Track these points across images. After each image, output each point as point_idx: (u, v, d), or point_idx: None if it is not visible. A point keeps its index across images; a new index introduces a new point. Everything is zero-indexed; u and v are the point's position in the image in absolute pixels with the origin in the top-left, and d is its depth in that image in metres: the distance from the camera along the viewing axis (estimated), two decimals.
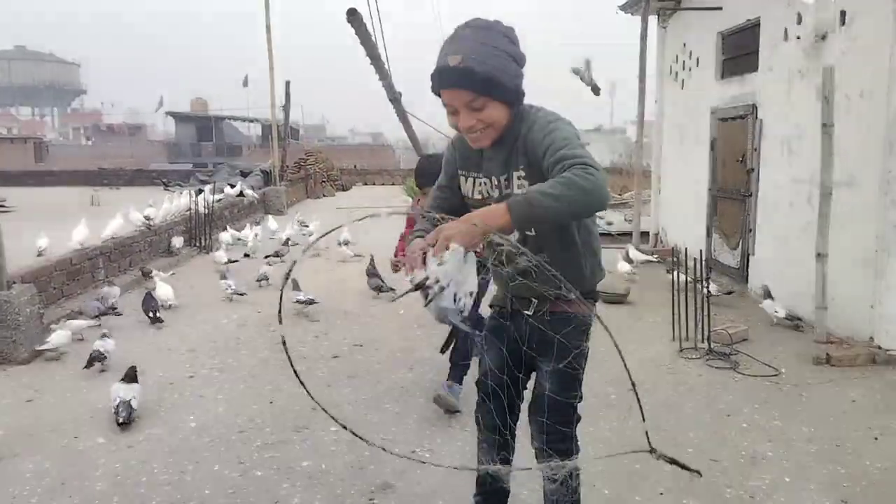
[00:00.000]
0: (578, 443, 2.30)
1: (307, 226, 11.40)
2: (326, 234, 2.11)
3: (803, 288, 5.65)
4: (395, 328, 5.86)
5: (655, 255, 8.55)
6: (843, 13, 5.22)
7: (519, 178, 2.04)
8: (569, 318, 2.14)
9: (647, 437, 1.73)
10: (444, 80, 1.97)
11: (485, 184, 2.15)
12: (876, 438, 3.65)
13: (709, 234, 7.99)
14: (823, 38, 4.70)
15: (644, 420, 1.78)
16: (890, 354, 4.73)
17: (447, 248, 1.69)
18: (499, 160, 2.09)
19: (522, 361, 2.20)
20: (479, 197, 2.17)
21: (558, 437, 2.20)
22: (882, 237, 4.79)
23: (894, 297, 4.75)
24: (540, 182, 1.82)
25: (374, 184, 27.71)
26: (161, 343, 5.49)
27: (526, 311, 2.18)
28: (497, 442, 2.32)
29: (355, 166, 29.80)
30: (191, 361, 5.04)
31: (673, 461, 1.72)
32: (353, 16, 4.34)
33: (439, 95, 2.02)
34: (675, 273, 5.44)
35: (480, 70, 1.92)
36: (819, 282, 4.91)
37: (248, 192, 14.88)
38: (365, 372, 4.78)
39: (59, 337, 5.11)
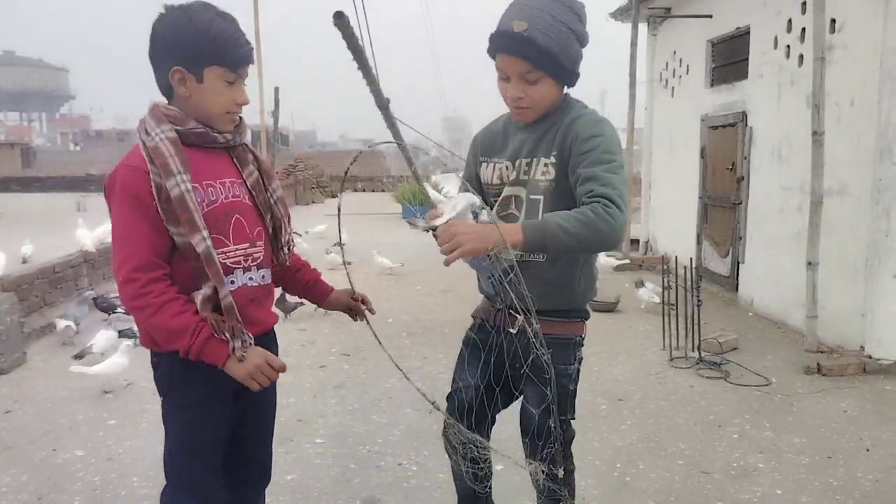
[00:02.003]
0: (573, 460, 2.23)
1: (299, 234, 11.36)
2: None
3: (794, 296, 5.63)
4: (383, 337, 5.76)
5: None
6: (833, 21, 5.22)
7: (546, 164, 1.96)
8: (560, 339, 2.04)
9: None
10: (503, 44, 1.89)
11: (506, 167, 2.05)
12: (868, 450, 3.61)
13: (699, 242, 7.97)
14: (822, 58, 4.69)
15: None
16: (881, 364, 4.70)
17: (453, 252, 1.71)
18: (529, 142, 2.01)
19: (502, 380, 2.08)
20: (498, 181, 2.08)
21: (549, 459, 2.07)
22: (873, 246, 4.77)
23: (885, 306, 4.72)
24: (563, 175, 1.93)
25: (364, 190, 27.64)
26: (144, 353, 5.38)
27: (511, 330, 2.02)
28: (471, 457, 2.18)
29: (346, 173, 29.72)
30: None
31: None
32: (339, 19, 4.23)
33: (493, 58, 1.95)
34: (666, 281, 5.40)
35: (543, 43, 1.84)
36: (809, 290, 4.88)
37: None
38: (352, 382, 4.71)
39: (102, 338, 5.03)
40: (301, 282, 2.22)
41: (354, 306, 2.26)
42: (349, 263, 9.15)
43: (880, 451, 3.58)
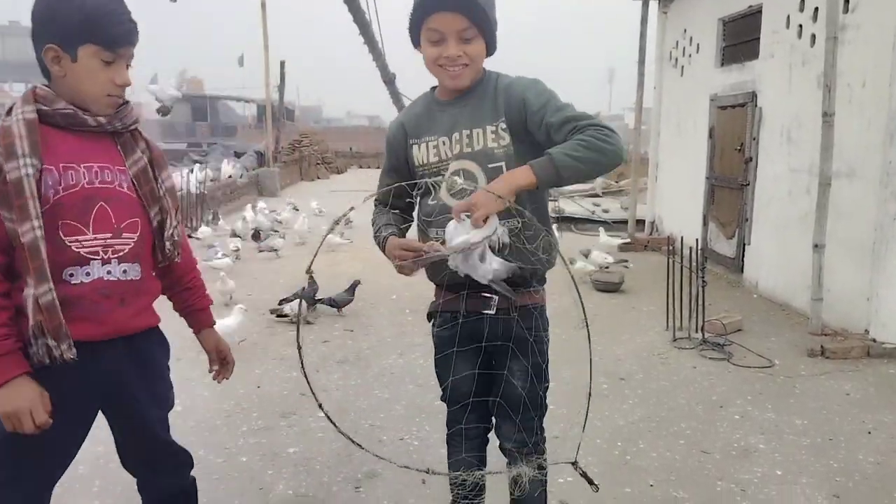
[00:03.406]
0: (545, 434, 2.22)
1: (295, 207, 11.42)
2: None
3: (799, 279, 5.60)
4: (385, 313, 5.80)
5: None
6: (846, 1, 5.13)
7: (495, 131, 1.94)
8: (533, 309, 2.04)
9: (578, 448, 2.01)
10: (440, 2, 1.86)
11: (443, 143, 2.00)
12: (869, 432, 3.61)
13: (705, 223, 7.93)
14: (835, 38, 4.63)
15: (583, 431, 1.98)
16: (885, 347, 4.69)
17: (484, 221, 1.76)
18: (463, 115, 1.98)
19: (489, 364, 2.11)
20: (436, 159, 2.02)
21: (533, 432, 2.12)
22: (880, 229, 4.74)
23: (891, 289, 4.70)
24: (519, 139, 1.94)
25: (369, 167, 27.55)
26: None
27: (487, 311, 2.01)
28: (477, 450, 2.26)
29: (351, 149, 29.63)
30: (178, 343, 4.95)
31: (583, 475, 2.00)
32: None
33: (419, 27, 1.91)
34: (671, 262, 5.38)
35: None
36: (815, 273, 4.86)
37: (228, 168, 14.52)
38: (355, 357, 4.72)
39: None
40: (183, 302, 2.09)
41: (212, 359, 2.18)
42: (350, 242, 9.15)
43: (882, 434, 3.58)
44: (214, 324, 2.15)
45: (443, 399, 2.26)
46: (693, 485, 3.06)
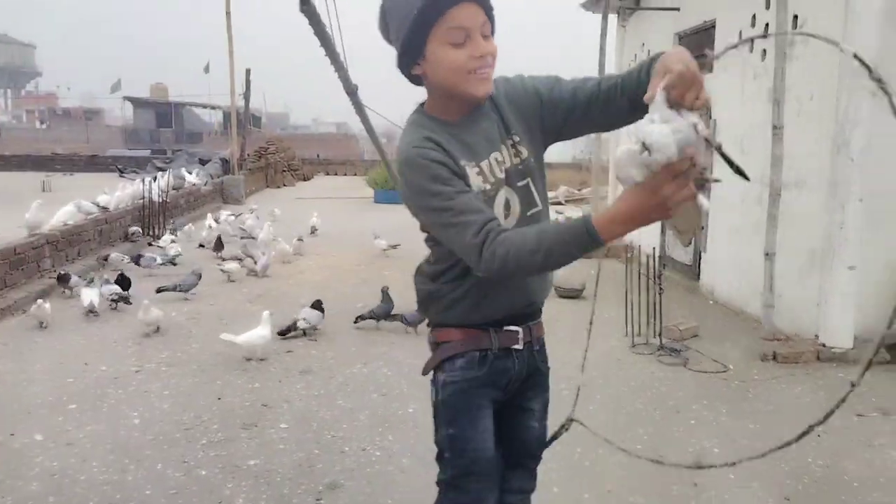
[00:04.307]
0: None
1: (251, 210, 11.45)
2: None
3: (753, 285, 5.75)
4: (350, 321, 5.80)
5: None
6: (795, 17, 5.31)
7: (515, 145, 1.66)
8: (543, 342, 1.87)
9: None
10: None
11: (497, 159, 1.64)
12: (819, 436, 3.71)
13: (663, 231, 8.09)
14: (784, 54, 4.78)
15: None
16: (834, 352, 4.84)
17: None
18: (482, 135, 1.63)
19: (499, 414, 1.81)
20: (503, 175, 1.64)
21: (535, 476, 1.96)
22: (828, 237, 4.89)
23: (839, 296, 4.86)
24: (537, 144, 1.69)
25: (336, 174, 27.47)
26: (107, 335, 5.36)
27: (516, 346, 1.75)
28: None
29: (318, 156, 29.50)
30: (137, 355, 4.93)
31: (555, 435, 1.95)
32: (306, 5, 4.22)
33: (429, 28, 1.50)
34: (629, 270, 5.48)
35: None
36: (767, 280, 5.00)
37: (191, 177, 14.37)
38: (319, 367, 4.72)
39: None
40: None
41: None
42: (299, 256, 9.06)
43: (830, 438, 3.70)
44: None
45: (467, 472, 1.73)
46: (649, 490, 3.13)
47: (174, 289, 6.47)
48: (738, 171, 1.41)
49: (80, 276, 6.61)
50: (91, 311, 5.78)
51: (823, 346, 4.90)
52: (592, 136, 11.11)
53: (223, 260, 8.03)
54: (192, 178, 14.12)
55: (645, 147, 1.26)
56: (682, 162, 1.29)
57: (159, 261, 7.59)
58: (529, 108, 1.66)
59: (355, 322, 5.61)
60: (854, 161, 4.70)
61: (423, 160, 1.52)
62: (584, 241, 1.42)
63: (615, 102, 1.59)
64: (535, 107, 1.66)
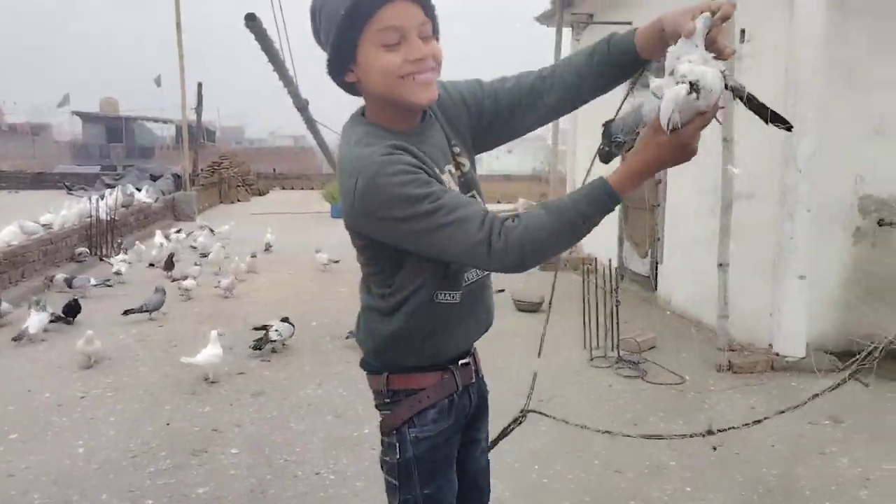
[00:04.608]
0: None
1: (212, 230, 11.23)
2: None
3: (708, 296, 5.81)
4: (307, 340, 5.68)
5: None
6: (742, 31, 5.41)
7: (456, 156, 1.54)
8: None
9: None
10: None
11: (451, 171, 1.53)
12: (773, 446, 3.76)
13: (620, 243, 8.16)
14: (732, 67, 4.87)
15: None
16: (787, 361, 4.91)
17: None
18: (431, 145, 1.49)
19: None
20: (457, 189, 1.52)
21: None
22: (779, 247, 4.97)
23: (790, 305, 4.93)
24: (468, 154, 1.58)
25: (292, 188, 27.17)
26: (52, 360, 5.15)
27: (473, 380, 1.66)
28: None
29: (274, 170, 29.14)
30: (83, 380, 4.74)
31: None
32: (251, 21, 4.17)
33: (359, 29, 1.36)
34: (587, 282, 5.49)
35: None
36: (721, 291, 5.05)
37: (140, 194, 13.97)
38: (271, 388, 4.60)
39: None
40: None
41: None
42: (253, 273, 8.94)
43: (784, 447, 3.74)
44: None
45: None
46: (606, 503, 3.11)
47: (140, 310, 6.27)
48: (776, 118, 1.39)
49: (10, 304, 6.33)
50: (24, 337, 5.52)
51: (777, 355, 4.96)
52: (550, 147, 11.20)
53: (174, 280, 7.82)
54: (143, 194, 13.75)
55: (694, 88, 1.19)
56: (711, 112, 1.26)
57: (93, 282, 7.36)
58: (460, 116, 1.57)
59: (347, 338, 5.50)
60: (801, 172, 4.79)
61: (399, 166, 1.34)
62: (606, 204, 1.34)
63: (569, 81, 1.55)
64: (464, 115, 1.57)
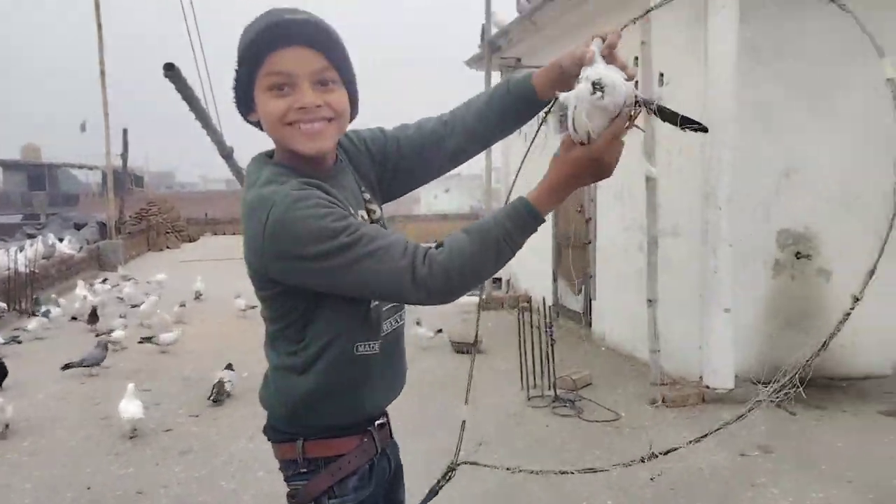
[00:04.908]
0: None
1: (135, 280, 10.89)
2: None
3: (640, 331, 5.91)
4: (237, 392, 5.50)
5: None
6: (661, 74, 5.63)
7: (367, 201, 1.50)
8: None
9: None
10: (285, 35, 1.31)
11: (363, 217, 1.47)
12: (707, 479, 3.80)
13: (555, 280, 8.27)
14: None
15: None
16: (717, 393, 5.01)
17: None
18: (352, 179, 1.49)
19: None
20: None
21: None
22: (704, 282, 5.12)
23: (717, 338, 5.06)
24: (378, 201, 1.54)
25: (224, 233, 26.65)
26: None
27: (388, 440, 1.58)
28: None
29: (206, 215, 28.57)
30: None
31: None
32: (170, 70, 4.06)
33: (252, 75, 1.34)
34: (522, 320, 5.52)
35: (335, 33, 1.37)
36: (651, 326, 5.15)
37: (62, 245, 13.45)
38: (200, 446, 4.42)
39: None
40: None
41: None
42: (182, 323, 8.71)
43: (717, 480, 3.79)
44: None
45: None
46: None
47: (80, 364, 6.01)
48: (687, 122, 1.37)
49: None
50: None
51: (707, 387, 5.07)
52: (484, 185, 11.32)
53: (98, 334, 7.50)
54: (65, 244, 13.23)
55: (596, 87, 1.20)
56: (621, 120, 1.26)
57: (1, 340, 7.06)
58: (365, 163, 1.53)
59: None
60: (721, 210, 4.96)
61: (313, 199, 1.26)
62: (527, 222, 1.31)
63: (469, 126, 1.54)
64: (369, 162, 1.54)
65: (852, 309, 1.54)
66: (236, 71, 1.35)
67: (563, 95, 1.30)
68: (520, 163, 1.60)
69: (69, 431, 4.71)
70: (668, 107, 1.35)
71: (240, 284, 11.16)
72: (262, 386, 1.50)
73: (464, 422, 1.84)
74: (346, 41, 1.41)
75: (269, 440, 1.51)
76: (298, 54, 1.32)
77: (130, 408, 4.51)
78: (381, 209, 1.55)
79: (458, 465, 1.81)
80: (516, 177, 1.74)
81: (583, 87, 1.22)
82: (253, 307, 8.51)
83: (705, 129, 1.39)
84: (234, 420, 4.90)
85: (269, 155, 1.44)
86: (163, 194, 32.47)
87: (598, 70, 1.24)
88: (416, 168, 1.58)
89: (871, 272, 1.46)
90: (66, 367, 5.98)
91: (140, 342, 6.95)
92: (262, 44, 1.31)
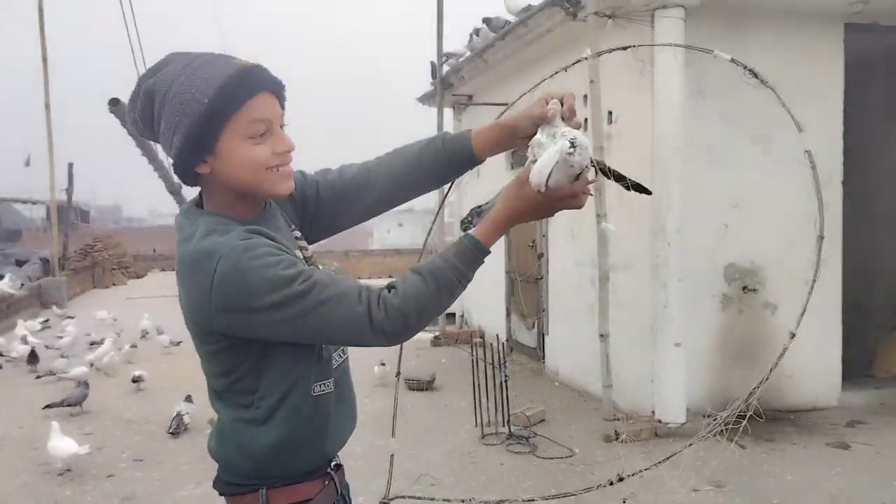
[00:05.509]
0: None
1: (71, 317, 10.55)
2: None
3: (592, 366, 5.95)
4: (184, 437, 5.32)
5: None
6: (610, 112, 5.76)
7: (297, 238, 1.50)
8: None
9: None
10: (259, 80, 1.31)
11: (299, 257, 1.44)
12: None
13: (508, 315, 8.29)
14: (601, 147, 5.16)
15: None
16: (669, 427, 5.05)
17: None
18: (282, 220, 1.49)
19: None
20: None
21: None
22: (655, 317, 5.19)
23: (669, 373, 5.12)
24: (308, 240, 1.54)
25: (172, 269, 26.07)
26: None
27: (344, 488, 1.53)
28: None
29: (154, 250, 27.93)
30: None
31: None
32: (115, 105, 4.01)
33: (223, 119, 1.28)
34: (475, 356, 5.49)
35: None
36: (603, 361, 5.18)
37: (1, 284, 12.84)
38: (143, 492, 4.25)
39: None
40: None
41: None
42: (130, 363, 8.46)
43: None
44: None
45: None
46: None
47: (62, 404, 5.85)
48: (635, 186, 1.44)
49: None
50: None
51: (660, 422, 5.11)
52: (436, 219, 11.38)
53: (38, 376, 7.20)
54: (4, 282, 12.70)
55: (573, 145, 1.26)
56: (582, 182, 1.33)
57: None
58: (286, 205, 1.51)
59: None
60: (670, 245, 5.06)
61: (262, 248, 1.24)
62: (477, 258, 1.33)
63: (397, 176, 1.53)
64: (289, 205, 1.52)
65: (786, 348, 1.59)
66: (194, 120, 1.26)
67: (535, 139, 1.36)
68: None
69: (5, 478, 4.48)
70: (617, 170, 1.42)
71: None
72: (215, 439, 1.43)
73: (392, 455, 1.82)
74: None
75: (221, 495, 1.43)
76: (270, 100, 1.33)
77: (62, 445, 4.34)
78: (309, 248, 1.54)
79: (391, 499, 1.77)
80: (439, 211, 1.76)
81: (562, 141, 1.28)
82: (177, 344, 8.57)
83: (649, 192, 1.48)
84: (179, 464, 4.72)
85: (199, 205, 1.40)
86: (109, 230, 31.66)
87: (571, 130, 1.31)
88: (336, 213, 1.57)
89: (802, 312, 1.54)
90: (48, 406, 5.83)
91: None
92: (240, 90, 1.28)
